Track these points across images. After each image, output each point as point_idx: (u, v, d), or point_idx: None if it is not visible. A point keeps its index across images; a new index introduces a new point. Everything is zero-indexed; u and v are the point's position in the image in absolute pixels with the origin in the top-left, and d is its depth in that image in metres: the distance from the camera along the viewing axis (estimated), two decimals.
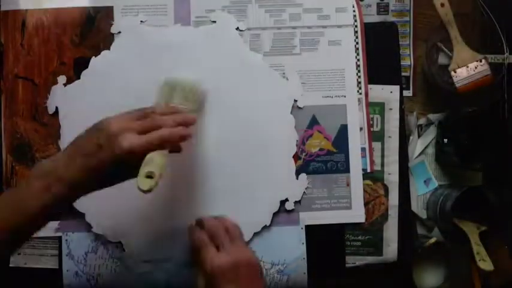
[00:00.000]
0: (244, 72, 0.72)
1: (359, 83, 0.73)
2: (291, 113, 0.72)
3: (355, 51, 0.73)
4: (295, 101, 0.72)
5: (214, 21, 0.73)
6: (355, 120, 0.72)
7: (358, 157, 0.72)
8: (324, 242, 0.71)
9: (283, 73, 0.72)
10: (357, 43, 0.74)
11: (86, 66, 0.71)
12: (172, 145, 0.59)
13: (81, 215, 0.69)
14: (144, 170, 0.53)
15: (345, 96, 0.73)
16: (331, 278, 0.72)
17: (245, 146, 0.71)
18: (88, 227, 0.69)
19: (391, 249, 0.73)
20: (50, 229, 0.69)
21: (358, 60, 0.73)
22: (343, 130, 0.72)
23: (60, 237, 0.70)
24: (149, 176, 0.53)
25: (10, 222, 0.51)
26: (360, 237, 0.72)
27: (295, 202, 0.71)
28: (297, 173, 0.71)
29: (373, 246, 0.73)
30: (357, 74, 0.73)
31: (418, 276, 0.75)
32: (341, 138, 0.72)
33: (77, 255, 0.69)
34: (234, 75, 0.71)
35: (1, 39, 0.72)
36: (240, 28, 0.73)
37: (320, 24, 0.73)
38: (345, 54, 0.73)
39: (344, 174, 0.72)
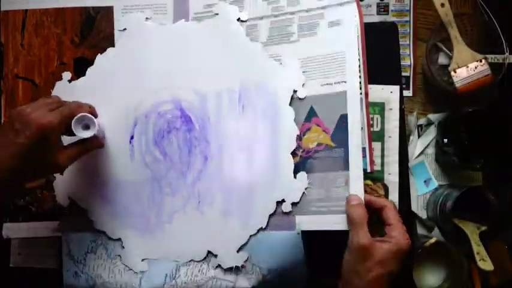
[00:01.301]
0: (245, 63, 0.70)
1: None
2: (290, 104, 0.68)
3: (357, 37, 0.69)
4: (295, 91, 0.68)
5: (217, 14, 0.72)
6: (357, 110, 0.66)
7: (359, 152, 0.65)
8: (323, 242, 0.70)
9: (280, 63, 0.69)
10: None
11: (86, 67, 0.71)
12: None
13: (81, 215, 0.69)
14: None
15: (345, 82, 0.66)
16: (331, 278, 0.71)
17: (241, 141, 0.69)
18: (87, 227, 0.69)
19: None
20: (49, 229, 0.69)
21: (359, 59, 0.72)
22: (343, 121, 0.66)
23: (60, 237, 0.70)
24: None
25: None
26: None
27: (292, 204, 0.66)
28: (294, 172, 0.67)
29: None
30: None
31: (418, 276, 0.75)
32: (340, 130, 0.66)
33: (77, 255, 0.69)
34: (236, 67, 0.70)
35: (1, 39, 0.72)
36: (242, 18, 0.71)
37: (319, 5, 0.69)
38: (346, 35, 0.68)
39: (343, 172, 0.65)
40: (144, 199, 0.69)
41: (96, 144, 0.66)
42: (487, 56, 0.72)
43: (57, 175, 0.69)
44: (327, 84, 0.67)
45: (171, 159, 0.70)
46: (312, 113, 0.67)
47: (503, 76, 0.72)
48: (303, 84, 0.68)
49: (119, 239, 0.69)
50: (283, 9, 0.71)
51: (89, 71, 0.71)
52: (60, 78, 0.71)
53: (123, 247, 0.69)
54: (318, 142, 0.67)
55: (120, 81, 0.71)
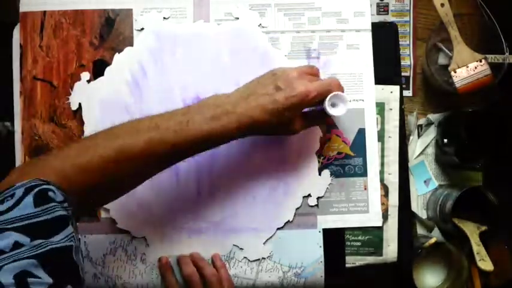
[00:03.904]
0: (267, 68, 0.70)
1: None
2: None
3: None
4: None
5: (237, 18, 0.73)
6: (373, 124, 0.73)
7: (376, 161, 0.72)
8: (324, 242, 0.71)
9: None
10: None
11: (105, 68, 0.72)
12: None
13: (99, 218, 0.70)
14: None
15: (363, 100, 0.73)
16: (331, 278, 0.71)
17: (269, 141, 0.71)
18: (106, 229, 0.70)
19: (391, 249, 0.72)
20: None
21: None
22: (361, 134, 0.72)
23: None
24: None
25: (175, 139, 0.55)
26: (360, 237, 0.72)
27: (316, 200, 0.71)
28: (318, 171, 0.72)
29: (373, 246, 0.72)
30: None
31: (418, 276, 0.75)
32: (359, 142, 0.72)
33: (95, 257, 0.70)
34: (256, 70, 0.70)
35: (20, 41, 0.72)
36: (263, 25, 0.73)
37: (339, 28, 0.73)
38: (363, 59, 0.73)
39: (362, 177, 0.72)
40: (168, 198, 0.70)
41: (330, 122, 0.70)
42: (487, 56, 0.72)
43: None
44: None
45: (194, 158, 0.69)
46: (331, 125, 0.73)
47: (503, 76, 0.72)
48: None
49: (143, 238, 0.70)
50: (304, 26, 0.74)
51: (108, 70, 0.72)
52: (79, 80, 0.72)
53: (148, 245, 0.70)
54: (338, 151, 0.72)
55: (140, 80, 0.72)
